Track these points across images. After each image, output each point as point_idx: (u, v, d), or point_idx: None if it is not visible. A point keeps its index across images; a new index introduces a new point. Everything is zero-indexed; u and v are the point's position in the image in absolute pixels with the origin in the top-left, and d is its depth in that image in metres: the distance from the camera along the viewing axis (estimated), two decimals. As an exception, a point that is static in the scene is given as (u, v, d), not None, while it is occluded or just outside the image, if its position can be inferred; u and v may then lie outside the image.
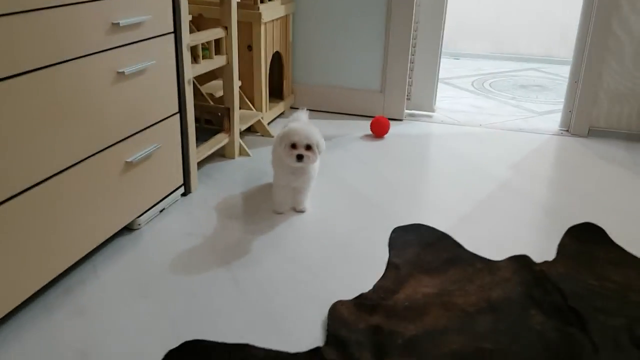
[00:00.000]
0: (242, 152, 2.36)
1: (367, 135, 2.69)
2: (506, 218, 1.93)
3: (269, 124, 2.75)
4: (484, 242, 1.77)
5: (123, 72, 1.55)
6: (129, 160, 1.62)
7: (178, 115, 1.85)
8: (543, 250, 1.73)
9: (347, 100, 2.96)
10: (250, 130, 2.64)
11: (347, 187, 2.12)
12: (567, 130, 2.82)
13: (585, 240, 1.79)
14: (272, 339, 1.31)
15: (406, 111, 3.01)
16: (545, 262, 1.64)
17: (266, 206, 1.95)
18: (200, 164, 2.25)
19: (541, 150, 2.58)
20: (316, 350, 1.26)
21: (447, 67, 4.23)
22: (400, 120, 2.92)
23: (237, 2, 2.42)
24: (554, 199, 2.09)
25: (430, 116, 3.01)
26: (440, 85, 3.65)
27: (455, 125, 2.88)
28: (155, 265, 1.59)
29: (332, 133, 2.68)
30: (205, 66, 2.03)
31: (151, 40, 1.66)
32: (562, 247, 1.75)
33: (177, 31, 1.78)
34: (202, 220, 1.84)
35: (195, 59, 1.99)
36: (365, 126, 2.80)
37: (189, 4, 2.37)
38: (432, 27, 2.86)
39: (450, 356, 1.26)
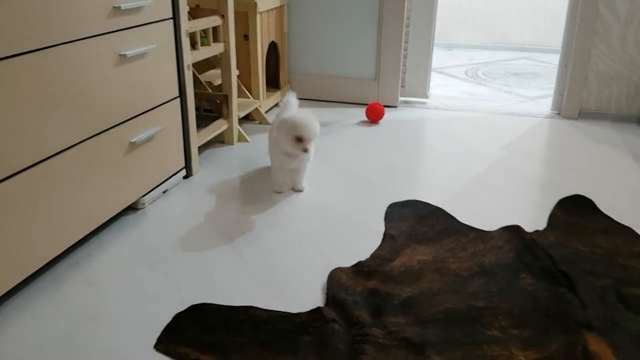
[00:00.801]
0: (241, 138, 2.42)
1: (362, 121, 2.75)
2: (498, 193, 1.99)
3: (266, 112, 2.81)
4: (477, 215, 1.83)
5: (125, 55, 1.60)
6: (132, 140, 1.68)
7: (179, 99, 1.91)
8: (534, 221, 1.79)
9: (342, 89, 3.02)
10: (248, 118, 2.70)
11: (343, 168, 2.18)
12: (559, 113, 2.88)
13: (575, 211, 1.85)
14: (275, 302, 1.37)
15: (400, 98, 3.07)
16: (536, 232, 1.70)
17: (265, 187, 2.00)
18: (201, 149, 2.31)
19: (532, 131, 2.64)
20: (316, 310, 1.32)
21: (440, 57, 4.29)
22: (395, 107, 2.98)
23: (233, -8, 2.48)
24: (545, 174, 2.15)
25: (424, 103, 3.07)
26: (434, 75, 3.72)
27: (449, 111, 2.94)
28: (160, 240, 1.65)
29: (329, 119, 2.74)
30: (203, 52, 2.09)
31: (151, 25, 1.72)
32: (552, 218, 1.81)
33: (176, 17, 1.84)
34: (203, 200, 1.90)
35: (193, 45, 2.05)
36: (360, 113, 2.86)
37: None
38: (424, 15, 2.93)
39: (444, 313, 1.32)
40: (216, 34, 2.22)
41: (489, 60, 4.19)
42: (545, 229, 1.72)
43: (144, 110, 1.73)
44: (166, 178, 1.90)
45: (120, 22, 1.58)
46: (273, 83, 2.99)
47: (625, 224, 1.78)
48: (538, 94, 3.27)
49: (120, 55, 1.59)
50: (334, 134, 2.55)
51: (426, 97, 3.10)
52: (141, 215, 1.79)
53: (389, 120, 2.77)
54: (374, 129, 2.65)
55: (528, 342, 1.23)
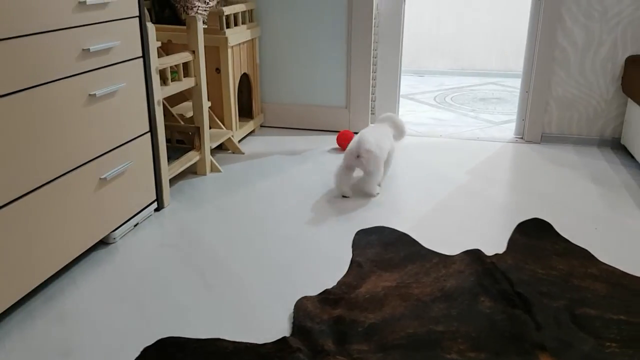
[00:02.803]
0: (214, 169, 2.47)
1: (334, 149, 2.82)
2: (462, 217, 2.06)
3: (240, 141, 2.87)
4: (441, 240, 1.89)
5: (94, 95, 1.65)
6: (103, 177, 1.72)
7: (149, 134, 1.96)
8: (494, 245, 1.86)
9: (314, 117, 3.10)
10: (222, 148, 2.75)
11: (313, 196, 2.24)
12: (522, 138, 2.99)
13: (533, 234, 1.92)
14: (243, 333, 1.41)
15: (371, 125, 3.15)
16: (496, 255, 1.77)
17: (235, 217, 2.05)
18: (173, 181, 2.35)
19: (496, 156, 2.73)
20: (282, 340, 1.37)
21: (411, 83, 4.41)
22: (366, 134, 3.06)
23: (205, 28, 2.56)
24: (507, 198, 2.23)
25: (394, 129, 3.15)
26: (404, 101, 3.82)
27: (417, 137, 3.03)
28: (131, 274, 1.68)
29: (301, 148, 2.81)
30: (174, 88, 2.15)
31: (121, 64, 1.78)
32: (512, 241, 1.88)
33: (145, 55, 1.90)
34: (174, 232, 1.94)
35: (164, 81, 2.10)
36: (332, 140, 2.93)
37: (159, 31, 2.51)
38: (391, 43, 3.03)
39: (406, 338, 1.37)
40: (187, 68, 2.28)
41: (457, 86, 4.31)
42: (504, 252, 1.79)
43: (114, 147, 1.78)
44: (137, 212, 1.94)
45: (90, 64, 1.63)
46: (246, 113, 3.06)
47: (582, 245, 1.86)
48: (503, 119, 3.38)
49: (90, 95, 1.64)
50: (306, 162, 2.62)
51: (395, 123, 3.18)
52: (112, 250, 1.82)
53: (359, 148, 2.84)
54: (344, 156, 2.72)
55: (484, 364, 1.29)
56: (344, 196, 2.24)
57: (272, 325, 1.45)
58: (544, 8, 2.72)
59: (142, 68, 1.89)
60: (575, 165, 2.61)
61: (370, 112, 3.05)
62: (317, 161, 2.63)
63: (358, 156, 2.17)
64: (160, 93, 2.01)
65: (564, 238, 1.90)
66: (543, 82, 2.84)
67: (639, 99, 2.46)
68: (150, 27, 1.90)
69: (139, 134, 1.91)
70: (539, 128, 2.92)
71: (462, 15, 4.66)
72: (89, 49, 1.61)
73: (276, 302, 1.55)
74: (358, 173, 2.32)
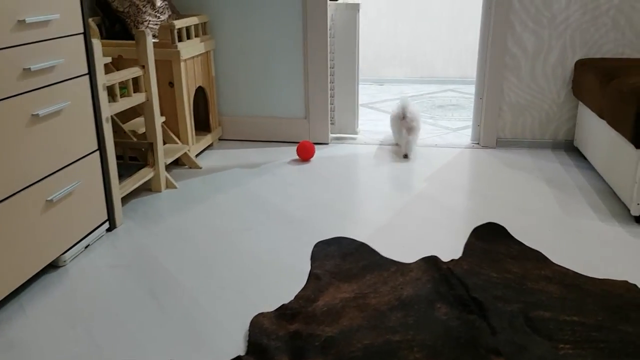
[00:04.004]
0: (169, 185, 2.42)
1: (294, 160, 2.80)
2: (419, 224, 2.07)
3: (197, 155, 2.83)
4: (399, 247, 1.89)
5: (37, 115, 1.61)
6: (49, 198, 1.67)
7: (98, 152, 1.91)
8: (451, 250, 1.87)
9: (274, 129, 3.08)
10: (178, 163, 2.71)
11: (272, 209, 2.22)
12: (478, 143, 3.03)
13: (488, 238, 1.94)
14: (196, 355, 1.38)
15: (331, 135, 3.16)
16: (452, 261, 1.78)
17: (190, 233, 2.02)
18: (127, 199, 2.30)
19: (453, 162, 2.76)
20: (236, 359, 1.34)
21: (371, 92, 4.43)
22: (326, 144, 3.06)
23: (156, 42, 2.52)
24: (463, 203, 2.25)
25: (354, 138, 3.16)
26: (364, 110, 3.84)
27: (377, 145, 3.04)
28: (81, 298, 1.63)
29: (260, 160, 2.79)
30: (123, 104, 2.11)
31: (65, 82, 1.73)
32: (468, 246, 1.89)
33: (91, 72, 1.86)
34: (126, 253, 1.89)
35: (113, 97, 2.06)
36: (292, 152, 2.92)
37: (109, 46, 2.46)
38: (347, 55, 3.04)
39: (363, 350, 1.36)
40: (137, 84, 2.24)
41: (417, 94, 4.35)
42: (460, 258, 1.80)
43: (61, 167, 1.73)
44: (88, 233, 1.89)
45: (32, 83, 1.59)
46: (204, 127, 3.02)
47: (536, 247, 1.89)
48: (460, 125, 3.43)
49: (32, 115, 1.59)
50: (265, 174, 2.59)
51: (355, 133, 3.19)
52: (62, 273, 1.76)
53: (320, 158, 2.83)
54: (305, 167, 2.71)
55: (440, 373, 1.28)
56: (405, 155, 2.80)
57: (227, 344, 1.42)
58: (494, 15, 2.77)
59: (88, 85, 1.85)
60: (530, 168, 2.65)
61: (329, 122, 3.05)
62: (276, 173, 2.62)
63: (404, 117, 2.74)
64: (108, 110, 1.97)
65: (518, 241, 1.92)
66: (496, 88, 2.89)
67: (589, 101, 2.52)
68: (96, 44, 1.86)
69: (87, 153, 1.86)
70: (493, 133, 2.96)
71: (418, 24, 4.72)
72: (29, 68, 1.56)
73: (232, 321, 1.52)
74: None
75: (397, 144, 2.99)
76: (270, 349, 1.36)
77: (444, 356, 1.34)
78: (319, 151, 2.93)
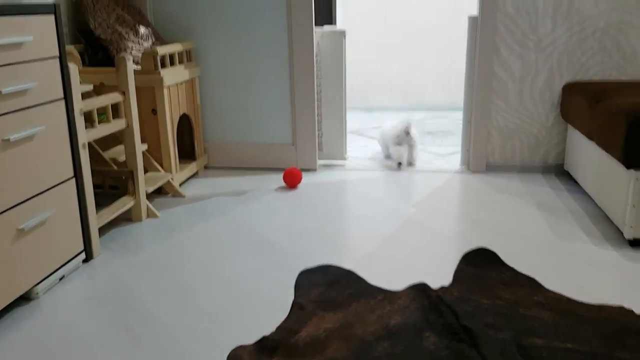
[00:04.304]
0: (150, 214, 2.36)
1: (280, 187, 2.75)
2: (407, 250, 2.01)
3: (181, 184, 2.77)
4: (387, 275, 1.82)
5: (8, 140, 1.55)
6: (21, 227, 1.60)
7: (73, 179, 1.85)
8: (441, 277, 1.80)
9: (260, 155, 3.03)
10: (161, 192, 2.65)
11: (257, 237, 2.15)
12: (467, 168, 2.98)
13: (479, 264, 1.88)
14: (169, 390, 1.29)
15: (319, 161, 3.11)
16: (442, 288, 1.71)
17: (171, 263, 1.94)
18: (105, 229, 2.23)
19: (443, 187, 2.71)
20: (212, 394, 1.26)
21: (360, 119, 4.41)
22: (314, 170, 3.01)
23: (139, 69, 2.49)
24: (453, 229, 2.19)
25: (342, 165, 3.12)
26: (354, 137, 3.80)
27: (366, 171, 2.99)
28: (53, 332, 1.55)
29: (246, 188, 2.73)
30: (101, 130, 2.05)
31: (40, 106, 1.68)
32: (458, 272, 1.83)
33: (67, 97, 1.81)
34: (103, 285, 1.81)
35: (91, 123, 2.01)
36: (279, 179, 2.86)
37: (91, 73, 2.42)
38: (335, 82, 3.01)
39: (346, 384, 1.28)
40: (118, 110, 2.19)
41: (405, 120, 4.33)
42: (450, 285, 1.74)
43: (33, 195, 1.66)
44: (62, 264, 1.81)
45: (3, 107, 1.53)
46: (188, 155, 2.97)
47: (528, 273, 1.82)
48: (450, 151, 3.39)
49: (3, 140, 1.53)
50: (250, 202, 2.53)
51: (344, 158, 3.15)
52: (34, 306, 1.68)
53: (308, 184, 2.78)
54: (292, 194, 2.65)
55: (429, 407, 1.20)
56: (399, 163, 3.06)
57: (203, 378, 1.34)
58: (480, 38, 2.76)
59: (64, 110, 1.80)
60: (520, 192, 2.61)
61: (317, 148, 3.00)
62: (262, 201, 2.55)
63: (407, 133, 3.03)
64: (85, 136, 1.91)
65: (510, 267, 1.86)
66: (484, 113, 2.86)
67: (578, 124, 2.49)
68: (73, 68, 1.82)
69: (62, 180, 1.80)
70: (483, 158, 2.92)
71: (407, 52, 4.73)
72: (0, 92, 1.51)
73: (209, 354, 1.44)
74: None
75: (387, 157, 3.27)
76: (248, 384, 1.28)
77: (432, 389, 1.26)
78: (307, 178, 2.88)
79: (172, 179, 2.59)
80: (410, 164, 3.12)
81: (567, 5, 2.67)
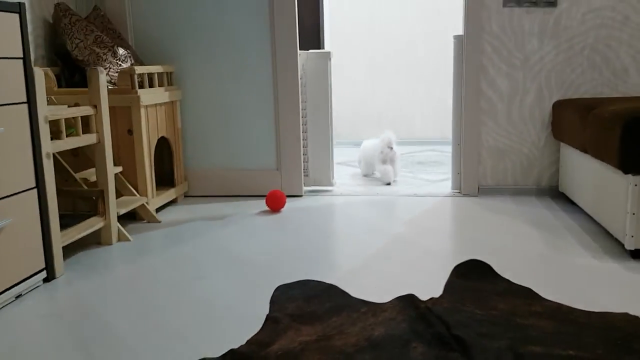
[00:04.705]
0: (122, 237, 2.22)
1: (263, 211, 2.62)
2: (395, 265, 1.87)
3: (159, 211, 2.64)
4: (372, 289, 1.68)
5: (-41, 139, 1.44)
6: (-31, 235, 1.47)
7: (35, 190, 1.73)
8: (430, 290, 1.66)
9: (243, 181, 2.92)
10: (136, 218, 2.51)
11: (232, 256, 2.01)
12: (459, 192, 2.87)
13: (472, 276, 1.74)
14: (119, 406, 1.13)
15: (305, 188, 3.00)
16: (431, 299, 1.57)
17: (140, 285, 1.79)
18: (72, 251, 2.08)
19: (433, 209, 2.59)
20: (166, 408, 1.10)
21: (348, 153, 4.32)
22: (300, 196, 2.89)
23: (115, 88, 2.41)
24: (443, 246, 2.06)
25: (330, 190, 3.00)
26: (342, 168, 3.70)
27: (353, 196, 2.87)
28: (3, 347, 1.39)
29: (227, 212, 2.60)
30: (69, 142, 1.94)
31: (-3, 108, 1.58)
32: (448, 284, 1.69)
33: (30, 102, 1.71)
34: (63, 304, 1.65)
35: (57, 135, 1.90)
36: (261, 204, 2.74)
37: (66, 94, 2.33)
38: (320, 105, 2.94)
39: (320, 395, 1.12)
40: (89, 125, 2.09)
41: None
42: (440, 296, 1.59)
43: (-14, 201, 1.54)
44: (19, 280, 1.66)
45: (-48, 103, 1.43)
46: (168, 182, 2.85)
47: (525, 285, 1.68)
48: (441, 178, 3.29)
49: (-48, 138, 1.42)
50: (230, 225, 2.40)
51: (331, 184, 3.03)
52: (-19, 324, 1.52)
53: (292, 208, 2.66)
54: (275, 217, 2.52)
55: (415, 418, 1.05)
56: (387, 184, 3.12)
57: (159, 394, 1.18)
58: (466, 58, 2.71)
59: (26, 115, 1.69)
60: (514, 213, 2.49)
61: (302, 173, 2.89)
62: (242, 224, 2.42)
63: (391, 148, 3.10)
64: (50, 145, 1.80)
65: (504, 278, 1.72)
66: (473, 133, 2.77)
67: (570, 139, 2.40)
68: (38, 73, 1.73)
69: (22, 190, 1.67)
70: (474, 180, 2.82)
71: (395, 86, 4.70)
72: (-49, 87, 1.41)
73: (170, 368, 1.28)
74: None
75: (365, 175, 3.39)
76: (209, 398, 1.12)
77: (419, 398, 1.10)
78: (291, 203, 2.76)
79: (147, 203, 2.46)
80: (394, 180, 3.17)
81: (553, 23, 2.64)
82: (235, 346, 1.36)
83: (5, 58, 1.60)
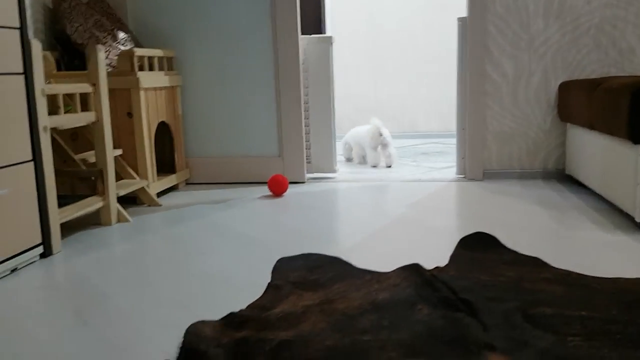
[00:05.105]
0: (121, 219, 2.18)
1: (265, 195, 2.58)
2: (399, 241, 1.83)
3: (159, 196, 2.60)
4: (375, 262, 1.64)
5: (-47, 103, 1.41)
6: (-37, 203, 1.43)
7: (32, 164, 1.70)
8: (435, 262, 1.61)
9: (246, 168, 2.88)
10: (136, 202, 2.48)
11: (232, 234, 1.97)
12: (464, 177, 2.83)
13: (478, 247, 1.69)
14: (113, 364, 1.09)
15: (308, 175, 2.96)
16: (437, 268, 1.53)
17: (138, 259, 1.76)
18: (71, 231, 2.05)
19: (438, 192, 2.55)
20: (162, 364, 1.06)
21: (352, 147, 4.28)
22: (303, 182, 2.86)
23: (115, 70, 2.38)
24: (448, 222, 2.01)
25: (332, 177, 2.97)
26: (344, 161, 3.67)
27: (356, 182, 2.83)
28: (-9, 317, 1.35)
29: (230, 196, 2.56)
30: (67, 118, 1.91)
31: (-8, 77, 1.55)
32: (454, 256, 1.64)
33: (27, 74, 1.68)
34: (59, 277, 1.62)
35: (55, 110, 1.87)
36: (265, 190, 2.70)
37: (65, 77, 2.30)
38: (322, 90, 2.91)
39: (324, 351, 1.08)
40: (87, 104, 2.06)
41: (399, 146, 4.21)
42: (446, 265, 1.55)
43: (-19, 170, 1.51)
44: (15, 254, 1.63)
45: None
46: (169, 169, 2.82)
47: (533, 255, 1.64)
48: (445, 165, 3.25)
49: (-55, 103, 1.39)
50: (232, 208, 2.36)
51: (334, 171, 3.00)
52: (-25, 294, 1.49)
53: (295, 193, 2.62)
54: (276, 200, 2.49)
55: (421, 371, 1.01)
56: (373, 166, 3.26)
57: (155, 354, 1.14)
58: (470, 40, 2.67)
59: (23, 87, 1.66)
60: (520, 194, 2.44)
61: (305, 159, 2.85)
62: (244, 206, 2.39)
63: (381, 134, 3.18)
64: (47, 120, 1.77)
65: (512, 250, 1.68)
66: (478, 117, 2.73)
67: (577, 117, 2.36)
68: (35, 44, 1.70)
69: (18, 161, 1.64)
70: (479, 165, 2.77)
71: (397, 79, 4.67)
72: (-56, 50, 1.39)
73: (167, 332, 1.24)
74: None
75: (349, 160, 3.53)
76: (207, 356, 1.08)
77: (425, 354, 1.06)
78: (294, 188, 2.72)
79: (147, 186, 2.43)
80: (389, 166, 3.24)
81: (559, 3, 2.60)
82: (235, 310, 1.32)
83: (1, 27, 1.58)
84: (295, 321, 1.23)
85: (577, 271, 1.52)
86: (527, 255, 1.62)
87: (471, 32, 2.66)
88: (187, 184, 2.90)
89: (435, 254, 1.68)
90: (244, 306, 1.36)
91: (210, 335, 1.18)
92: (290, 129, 2.82)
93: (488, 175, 2.78)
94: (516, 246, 1.72)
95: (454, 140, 4.28)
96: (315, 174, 3.00)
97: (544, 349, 1.06)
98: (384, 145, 3.22)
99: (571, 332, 1.13)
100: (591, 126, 2.17)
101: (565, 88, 2.53)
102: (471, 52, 2.68)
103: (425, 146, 4.14)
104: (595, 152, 2.22)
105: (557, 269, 1.51)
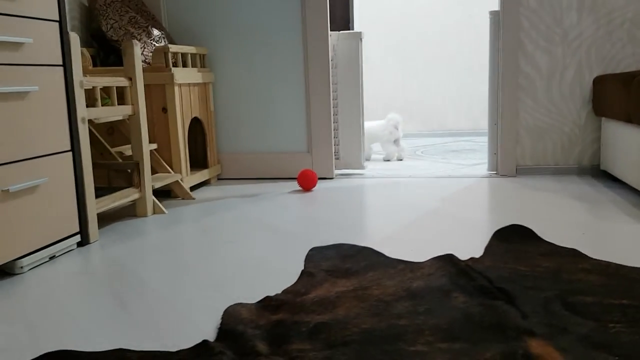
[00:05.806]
0: (157, 210, 2.22)
1: (294, 190, 2.60)
2: (431, 233, 1.81)
3: (192, 190, 2.64)
4: (408, 251, 1.63)
5: (-2, 93, 1.45)
6: (7, 188, 1.47)
7: (70, 154, 1.74)
8: (470, 252, 1.60)
9: (275, 164, 2.90)
10: (170, 196, 2.52)
11: (264, 225, 1.98)
12: (496, 173, 2.80)
13: (513, 239, 1.67)
14: (154, 344, 1.11)
15: (336, 171, 2.97)
16: (472, 259, 1.51)
17: (174, 247, 1.78)
18: (108, 222, 2.09)
19: (470, 188, 2.53)
20: (202, 344, 1.07)
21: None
22: (331, 178, 2.86)
23: (149, 66, 2.42)
24: (481, 216, 1.99)
25: (361, 174, 2.96)
26: (372, 158, 3.66)
27: (385, 178, 2.83)
28: (38, 301, 1.38)
29: (260, 191, 2.58)
30: (104, 111, 1.95)
31: (34, 67, 1.59)
32: (489, 247, 1.63)
33: (66, 66, 1.72)
34: (96, 264, 1.65)
35: (93, 103, 1.91)
36: (294, 185, 2.72)
37: (100, 73, 2.35)
38: (351, 87, 2.91)
39: (359, 334, 1.08)
40: (124, 97, 2.10)
41: (428, 144, 4.18)
42: (481, 257, 1.53)
43: (24, 158, 1.55)
44: (53, 242, 1.67)
45: (-8, 57, 1.45)
46: (201, 164, 2.85)
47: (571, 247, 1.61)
48: (476, 162, 3.22)
49: (-9, 92, 1.44)
50: (263, 201, 2.38)
51: (362, 167, 3.00)
52: (17, 281, 1.52)
53: (324, 188, 2.62)
54: (307, 195, 2.50)
55: (458, 354, 1.00)
56: (387, 160, 3.43)
57: (193, 334, 1.15)
58: (503, 35, 2.64)
59: (62, 78, 1.71)
60: (555, 189, 2.40)
61: (333, 155, 2.86)
62: (274, 200, 2.40)
63: (397, 128, 3.37)
64: (85, 111, 1.81)
65: (548, 242, 1.65)
66: (511, 112, 2.70)
67: (613, 111, 2.31)
68: (73, 36, 1.74)
69: (57, 151, 1.68)
70: (512, 161, 2.74)
71: (426, 77, 4.64)
72: (-10, 41, 1.43)
73: (204, 314, 1.26)
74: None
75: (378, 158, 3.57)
76: (245, 336, 1.09)
77: (463, 339, 1.05)
78: (323, 184, 2.73)
79: (181, 180, 2.46)
80: (400, 159, 3.42)
81: (593, -4, 2.56)
82: (271, 294, 1.33)
83: (41, 19, 1.62)
84: (330, 306, 1.23)
85: (616, 262, 1.49)
86: (564, 247, 1.59)
87: (504, 26, 2.64)
88: (218, 179, 2.93)
89: (469, 246, 1.66)
90: (278, 291, 1.37)
91: (248, 317, 1.19)
92: (319, 125, 2.83)
93: (521, 171, 2.75)
94: (553, 239, 1.70)
95: (483, 139, 4.24)
96: (343, 170, 3.00)
97: (585, 334, 1.04)
98: (397, 140, 3.39)
99: (612, 320, 1.11)
100: (628, 119, 2.13)
101: (600, 82, 2.49)
102: (504, 47, 2.65)
103: (454, 144, 4.11)
104: (632, 146, 2.17)
105: (595, 259, 1.48)
